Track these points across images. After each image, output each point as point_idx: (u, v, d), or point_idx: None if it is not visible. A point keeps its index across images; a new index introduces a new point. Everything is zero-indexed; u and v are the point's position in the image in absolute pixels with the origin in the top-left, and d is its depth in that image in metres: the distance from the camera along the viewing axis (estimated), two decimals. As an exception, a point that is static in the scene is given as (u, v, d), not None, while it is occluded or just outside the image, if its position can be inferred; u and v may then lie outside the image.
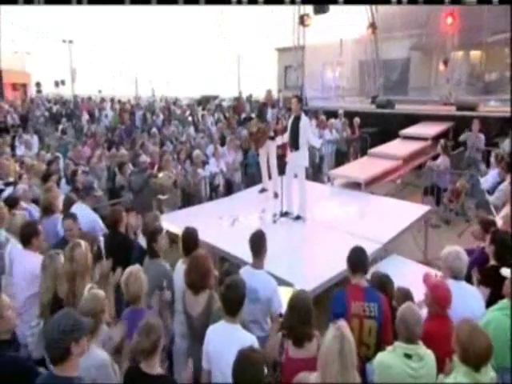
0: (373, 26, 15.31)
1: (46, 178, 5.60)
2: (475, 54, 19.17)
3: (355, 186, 7.02)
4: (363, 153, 10.55)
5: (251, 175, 8.44)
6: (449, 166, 7.19)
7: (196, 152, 7.67)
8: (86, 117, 13.95)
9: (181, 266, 3.45)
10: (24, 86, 29.22)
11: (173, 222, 5.72)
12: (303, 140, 5.79)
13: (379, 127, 11.02)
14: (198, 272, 3.00)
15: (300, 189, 5.89)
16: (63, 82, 37.13)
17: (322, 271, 4.30)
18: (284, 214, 5.93)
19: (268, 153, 7.03)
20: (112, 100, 15.07)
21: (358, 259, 3.00)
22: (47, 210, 4.46)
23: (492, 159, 6.65)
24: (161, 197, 5.43)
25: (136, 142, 9.08)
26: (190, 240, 3.57)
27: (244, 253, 3.94)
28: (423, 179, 7.81)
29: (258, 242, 3.49)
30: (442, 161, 7.21)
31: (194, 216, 6.01)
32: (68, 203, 4.60)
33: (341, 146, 10.04)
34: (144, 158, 6.96)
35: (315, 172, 9.81)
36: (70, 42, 39.07)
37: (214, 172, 7.72)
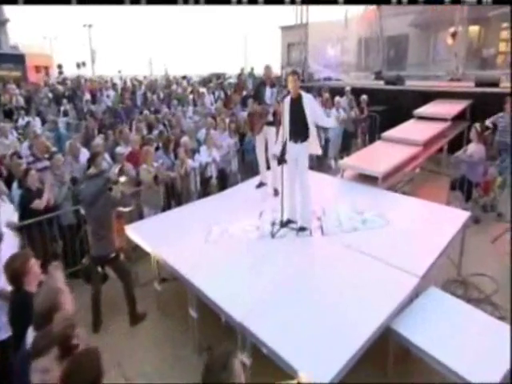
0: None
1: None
2: (474, 28, 16.38)
3: (369, 179, 4.99)
4: (371, 133, 8.38)
5: (249, 162, 6.43)
6: (484, 156, 5.07)
7: (184, 139, 5.64)
8: (87, 97, 11.79)
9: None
10: (46, 68, 26.66)
11: (140, 234, 3.84)
12: (312, 125, 3.80)
13: (388, 105, 8.73)
14: None
15: (302, 189, 3.92)
16: (84, 64, 34.45)
17: (345, 338, 2.43)
18: (285, 224, 4.00)
19: (266, 140, 5.02)
20: (121, 79, 12.79)
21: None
22: None
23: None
24: (122, 209, 3.51)
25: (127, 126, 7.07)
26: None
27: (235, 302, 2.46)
28: (451, 169, 5.69)
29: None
30: (476, 149, 5.09)
31: (169, 224, 4.12)
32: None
33: (348, 127, 7.87)
34: (120, 149, 4.98)
35: (320, 155, 7.73)
36: (90, 26, 36.36)
37: (206, 162, 5.72)
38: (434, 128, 6.54)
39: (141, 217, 4.98)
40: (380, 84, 9.95)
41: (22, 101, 12.01)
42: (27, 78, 21.63)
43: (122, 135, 5.63)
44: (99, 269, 3.37)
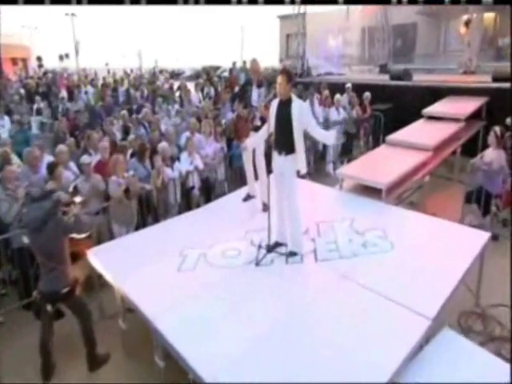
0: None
1: None
2: (489, 15, 16.07)
3: (371, 190, 4.66)
4: (375, 134, 8.06)
5: (238, 170, 6.10)
6: (504, 164, 4.74)
7: (162, 145, 5.29)
8: (63, 94, 11.43)
9: None
10: (24, 60, 26.25)
11: (102, 261, 3.51)
12: (299, 136, 3.41)
13: (394, 103, 8.41)
14: None
15: (290, 210, 3.57)
16: (67, 56, 34.05)
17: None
18: (272, 248, 3.66)
19: (254, 147, 4.67)
20: (109, 73, 12.35)
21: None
22: None
23: None
24: (76, 236, 3.15)
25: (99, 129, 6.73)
26: None
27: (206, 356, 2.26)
28: (465, 177, 5.36)
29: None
30: (495, 156, 4.76)
31: (138, 247, 3.79)
32: None
33: (349, 128, 7.55)
34: (86, 158, 4.63)
35: (317, 160, 7.43)
36: (73, 14, 35.88)
37: (187, 171, 5.38)
38: (445, 130, 6.21)
39: (112, 236, 4.66)
40: (385, 79, 9.63)
41: (-10, 98, 11.64)
42: (2, 70, 21.20)
43: (90, 141, 5.27)
44: (49, 307, 3.03)
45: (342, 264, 3.42)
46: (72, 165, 5.01)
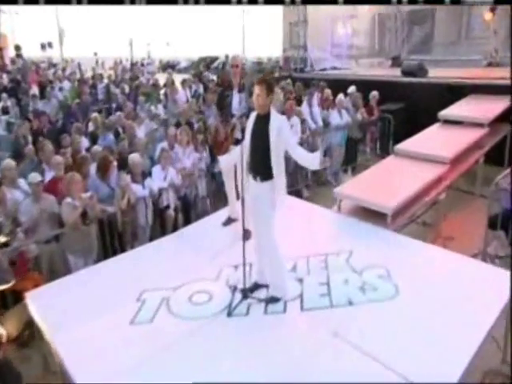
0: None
1: None
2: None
3: (375, 214, 4.26)
4: (383, 139, 7.64)
5: (222, 184, 5.69)
6: (536, 184, 4.30)
7: (132, 157, 4.92)
8: (34, 90, 11.09)
9: None
10: (1, 49, 25.97)
11: (40, 307, 3.15)
12: (278, 159, 3.02)
13: (406, 102, 8.01)
14: None
15: (267, 248, 3.19)
16: (50, 45, 33.79)
17: None
18: (250, 290, 3.28)
19: (235, 164, 4.29)
20: (97, 63, 11.96)
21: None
22: None
23: None
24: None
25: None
26: None
27: None
28: (488, 194, 4.92)
29: None
30: (525, 174, 4.33)
31: (87, 289, 3.41)
32: None
33: (353, 132, 7.14)
34: (35, 176, 4.26)
35: (316, 171, 7.01)
36: (57, -1, 35.44)
37: (160, 188, 5.00)
38: (465, 137, 5.77)
39: (67, 268, 4.30)
40: (396, 75, 9.18)
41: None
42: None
43: (43, 153, 4.90)
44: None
45: (333, 315, 3.02)
46: (23, 182, 4.65)
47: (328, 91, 7.56)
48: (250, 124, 3.14)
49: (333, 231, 4.21)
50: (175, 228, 5.26)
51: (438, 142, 5.71)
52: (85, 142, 6.00)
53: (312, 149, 6.77)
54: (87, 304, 3.23)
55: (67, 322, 3.03)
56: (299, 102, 7.26)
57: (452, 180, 5.19)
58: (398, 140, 7.01)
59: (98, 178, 4.66)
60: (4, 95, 10.64)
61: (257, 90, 2.99)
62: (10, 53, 26.45)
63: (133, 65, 12.33)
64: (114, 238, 4.58)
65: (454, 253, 3.67)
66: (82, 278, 3.66)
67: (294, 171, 6.52)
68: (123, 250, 4.64)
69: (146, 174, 5.03)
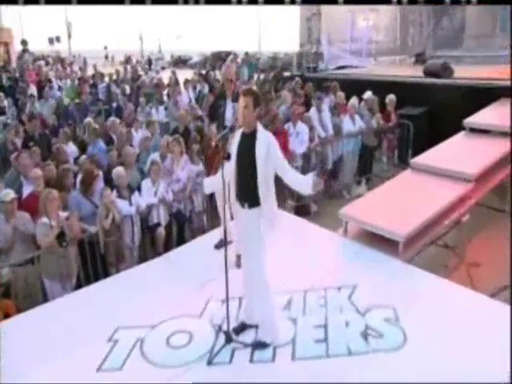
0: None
1: None
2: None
3: (385, 241, 3.95)
4: (402, 148, 7.28)
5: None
6: None
7: (117, 171, 4.73)
8: (32, 90, 11.08)
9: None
10: (6, 44, 26.38)
11: None
12: (266, 183, 2.79)
13: (428, 106, 7.62)
14: None
15: (255, 284, 2.94)
16: (58, 39, 34.26)
17: None
18: (237, 332, 3.04)
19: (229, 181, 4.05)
20: (107, 58, 11.83)
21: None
22: None
23: None
24: None
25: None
26: None
27: None
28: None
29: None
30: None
31: (53, 324, 3.22)
32: None
33: (368, 140, 6.80)
34: (6, 195, 4.09)
35: (327, 183, 6.70)
36: (66, -8, 35.93)
37: (149, 205, 4.80)
38: (494, 149, 5.36)
39: (44, 293, 4.14)
40: (417, 76, 8.75)
41: None
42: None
43: (19, 165, 4.75)
44: None
45: (329, 368, 2.75)
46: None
47: (341, 94, 7.23)
48: (235, 143, 2.90)
49: (336, 260, 3.93)
50: (168, 246, 5.07)
51: (461, 154, 5.33)
52: (74, 151, 5.84)
53: (322, 158, 6.51)
54: (53, 342, 3.06)
55: (26, 363, 2.85)
56: (309, 106, 6.97)
57: (477, 198, 4.83)
58: (418, 148, 6.66)
59: (80, 193, 4.48)
60: (1, 95, 10.66)
61: (243, 101, 2.76)
62: (16, 47, 26.93)
63: (137, 63, 12.11)
64: (96, 261, 4.38)
65: (473, 292, 3.35)
66: (52, 310, 3.50)
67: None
68: (106, 274, 4.46)
69: (134, 189, 4.82)
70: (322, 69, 10.04)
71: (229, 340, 2.96)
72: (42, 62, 15.11)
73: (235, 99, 3.99)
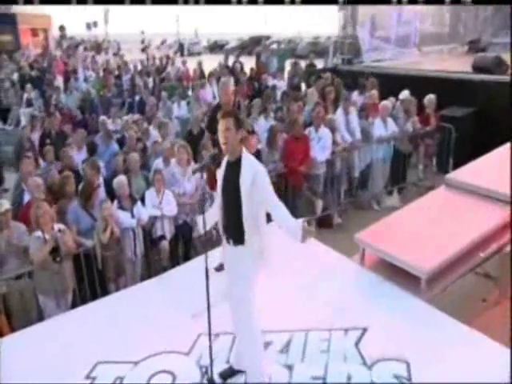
0: None
1: None
2: None
3: (407, 274, 3.57)
4: (442, 156, 6.71)
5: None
6: None
7: (118, 180, 4.61)
8: (59, 81, 11.27)
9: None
10: (45, 30, 27.29)
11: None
12: (254, 217, 2.57)
13: (476, 107, 6.97)
14: None
15: (242, 323, 2.73)
16: (96, 24, 35.12)
17: None
18: (224, 378, 2.84)
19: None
20: (143, 42, 11.79)
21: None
22: None
23: None
24: None
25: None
26: None
27: None
28: None
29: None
30: None
31: (29, 354, 3.13)
32: None
33: (402, 145, 6.31)
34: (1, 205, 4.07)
35: (352, 191, 6.33)
36: (102, -22, 36.63)
37: (152, 217, 4.66)
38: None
39: (39, 309, 4.11)
40: (464, 67, 8.01)
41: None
42: (19, 43, 22.06)
43: (21, 168, 4.73)
44: None
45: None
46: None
47: (374, 93, 6.73)
48: (220, 173, 2.66)
49: (347, 293, 3.59)
50: (174, 260, 4.95)
51: (507, 171, 4.76)
52: (82, 154, 5.78)
53: (348, 165, 6.11)
54: (28, 375, 2.96)
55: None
56: (337, 105, 6.55)
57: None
58: (460, 156, 6.11)
59: (79, 206, 4.40)
60: (28, 86, 10.91)
61: (222, 124, 2.52)
62: (55, 34, 27.81)
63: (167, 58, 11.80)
64: (93, 276, 4.30)
65: (507, 348, 2.92)
66: (33, 336, 3.43)
67: (324, 191, 5.90)
68: (105, 290, 4.39)
69: (137, 199, 4.68)
70: (360, 61, 9.47)
71: (213, 388, 2.75)
72: (81, 48, 15.39)
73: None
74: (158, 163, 5.03)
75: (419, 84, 7.31)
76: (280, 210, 2.55)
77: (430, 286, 3.49)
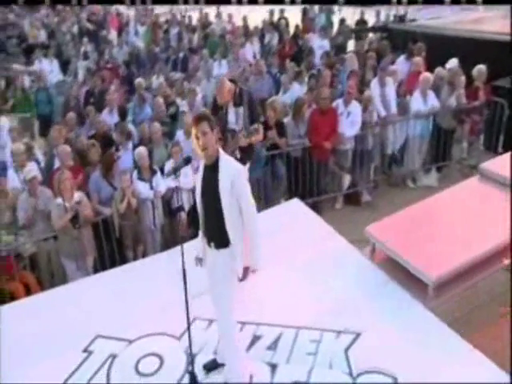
0: None
1: None
2: None
3: (414, 278, 3.20)
4: (492, 132, 5.87)
5: (254, 182, 4.95)
6: None
7: (138, 151, 4.49)
8: (112, 34, 11.10)
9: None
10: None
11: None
12: (235, 220, 2.37)
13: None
14: None
15: (222, 325, 2.63)
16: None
17: None
18: (208, 369, 2.80)
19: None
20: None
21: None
22: None
23: None
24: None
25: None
26: None
27: None
28: None
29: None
30: None
31: (32, 323, 3.22)
32: None
33: (444, 121, 5.56)
34: (30, 171, 4.13)
35: (385, 167, 5.78)
36: None
37: (169, 189, 4.55)
38: None
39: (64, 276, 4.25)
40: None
41: (44, 35, 11.89)
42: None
43: (50, 137, 4.73)
44: None
45: None
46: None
47: (419, 60, 5.86)
48: (198, 177, 2.42)
49: (348, 292, 3.30)
50: (195, 231, 4.86)
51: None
52: (114, 117, 5.66)
53: (381, 141, 5.54)
54: (32, 341, 3.06)
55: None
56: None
57: None
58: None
59: (100, 176, 4.35)
60: (85, 39, 10.90)
61: (198, 130, 2.28)
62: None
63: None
64: (112, 244, 4.34)
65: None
66: (46, 302, 3.52)
67: (352, 166, 5.41)
68: (123, 257, 4.44)
69: (157, 170, 4.56)
70: (412, 19, 8.28)
71: (193, 382, 2.69)
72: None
73: (237, 104, 3.63)
74: (179, 135, 4.82)
75: (476, 48, 6.29)
76: (252, 212, 2.38)
77: (439, 292, 3.11)
